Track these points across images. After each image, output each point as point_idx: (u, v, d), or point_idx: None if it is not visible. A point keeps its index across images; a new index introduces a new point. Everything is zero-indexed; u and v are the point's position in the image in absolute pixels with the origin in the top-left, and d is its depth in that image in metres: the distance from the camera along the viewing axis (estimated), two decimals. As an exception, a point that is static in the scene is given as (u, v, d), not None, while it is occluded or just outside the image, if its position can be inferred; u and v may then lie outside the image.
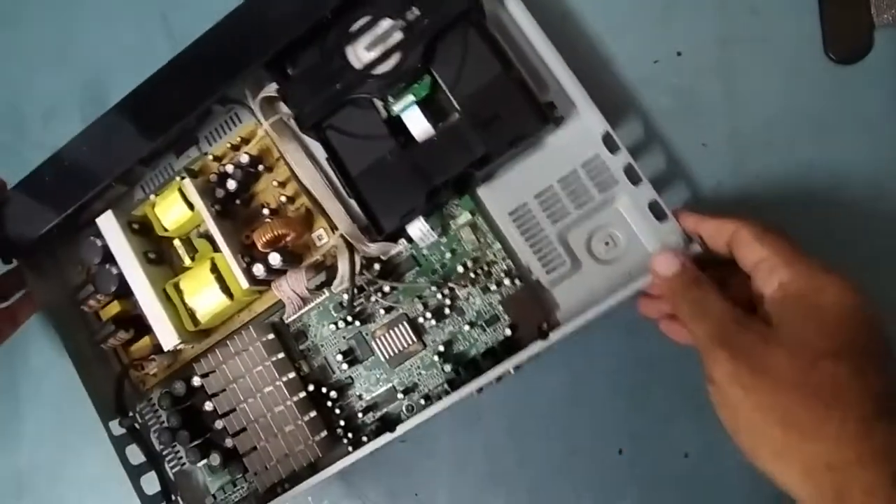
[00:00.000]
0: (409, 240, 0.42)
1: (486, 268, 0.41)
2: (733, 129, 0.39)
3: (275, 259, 0.42)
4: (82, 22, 0.49)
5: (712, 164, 0.40)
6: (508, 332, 0.40)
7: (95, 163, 0.45)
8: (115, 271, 0.44)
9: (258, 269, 0.42)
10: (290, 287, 0.41)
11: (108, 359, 0.47)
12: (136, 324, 0.45)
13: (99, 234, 0.45)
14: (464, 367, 0.41)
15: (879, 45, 0.35)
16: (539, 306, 0.40)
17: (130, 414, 0.46)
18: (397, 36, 0.40)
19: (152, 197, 0.46)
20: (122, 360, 0.47)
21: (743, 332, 0.28)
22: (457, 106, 0.40)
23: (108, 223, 0.44)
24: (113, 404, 0.45)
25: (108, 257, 0.44)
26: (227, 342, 0.43)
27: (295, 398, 0.42)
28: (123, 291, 0.45)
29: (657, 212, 0.38)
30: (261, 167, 0.45)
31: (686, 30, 0.40)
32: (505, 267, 0.41)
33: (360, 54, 0.41)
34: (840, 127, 0.37)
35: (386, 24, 0.40)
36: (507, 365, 0.37)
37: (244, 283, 0.42)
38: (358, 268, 0.41)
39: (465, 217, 0.41)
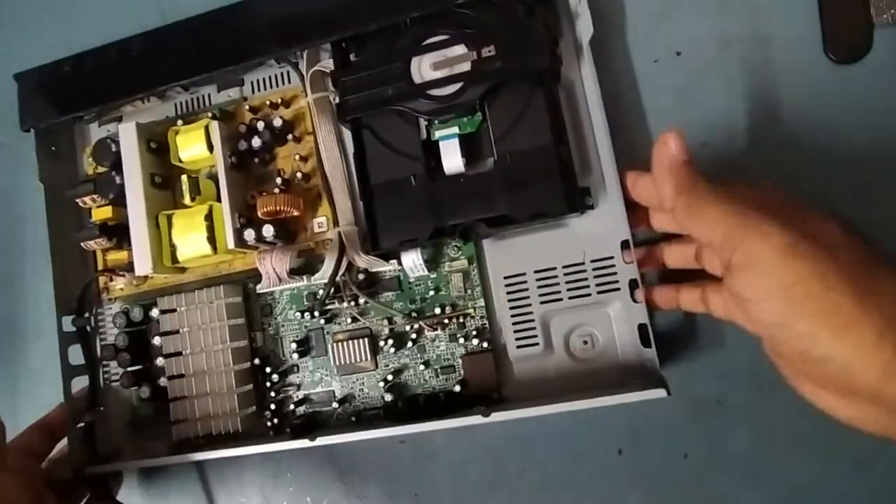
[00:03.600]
0: (398, 262, 0.38)
1: (461, 318, 0.38)
2: (733, 129, 0.36)
3: (268, 231, 0.38)
4: (82, 22, 0.46)
5: (712, 164, 0.36)
6: (458, 387, 0.37)
7: (141, 68, 0.41)
8: (118, 180, 0.41)
9: (249, 234, 0.38)
10: (273, 263, 0.38)
11: (84, 259, 0.44)
12: (120, 235, 0.42)
13: (117, 139, 0.41)
14: (403, 401, 0.38)
15: (879, 45, 0.33)
16: (496, 375, 0.37)
17: (86, 315, 0.43)
18: (465, 66, 0.36)
19: (179, 123, 0.42)
20: (97, 265, 0.44)
21: (783, 207, 0.25)
22: (495, 156, 0.36)
23: (128, 134, 0.40)
24: (74, 303, 0.42)
25: (118, 165, 0.41)
26: (196, 290, 0.40)
27: (238, 366, 0.39)
28: (120, 202, 0.41)
29: (643, 335, 0.34)
30: (290, 135, 0.41)
31: (686, 30, 0.36)
32: (480, 325, 0.37)
33: (423, 69, 0.37)
34: (840, 127, 0.34)
35: (459, 50, 0.36)
36: (440, 424, 0.34)
37: (230, 243, 0.38)
38: (342, 270, 0.38)
39: (461, 263, 0.38)
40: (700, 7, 0.37)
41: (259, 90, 0.43)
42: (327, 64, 0.40)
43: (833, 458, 0.34)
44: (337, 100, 0.39)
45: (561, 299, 0.37)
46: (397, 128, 0.38)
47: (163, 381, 0.40)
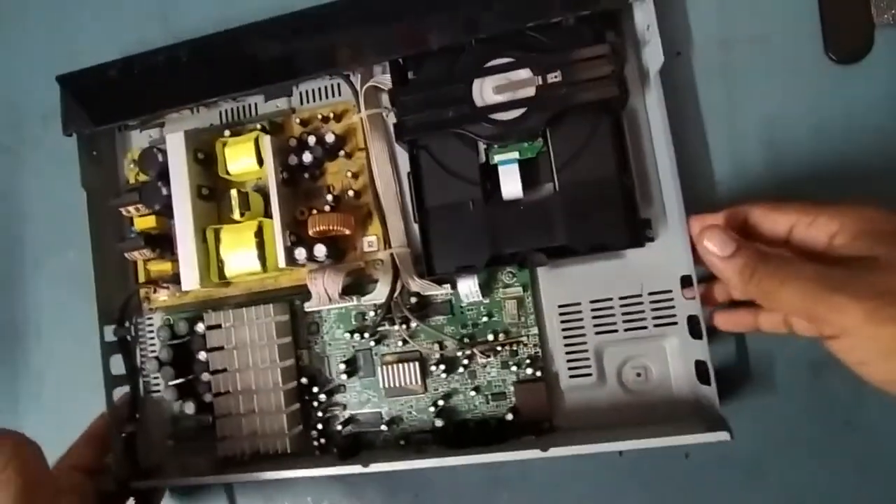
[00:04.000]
0: (452, 287, 0.37)
1: (514, 346, 0.37)
2: (733, 129, 0.35)
3: (320, 251, 0.37)
4: (83, 21, 0.44)
5: (712, 165, 0.36)
6: (510, 415, 0.36)
7: (191, 76, 0.39)
8: (165, 191, 0.40)
9: (300, 253, 0.37)
10: (324, 283, 0.37)
11: (125, 268, 0.43)
12: (164, 246, 0.41)
13: (163, 148, 0.40)
14: (454, 425, 0.37)
15: (879, 45, 0.33)
16: (548, 404, 0.36)
17: (126, 324, 0.42)
18: (529, 91, 0.35)
19: (226, 133, 0.41)
20: (139, 276, 0.43)
21: (849, 274, 0.24)
22: (556, 184, 0.35)
23: (176, 144, 0.39)
24: (116, 313, 0.41)
25: (164, 175, 0.40)
26: (242, 305, 0.39)
27: (286, 386, 0.38)
28: (164, 213, 0.40)
29: (701, 372, 0.34)
30: (341, 150, 0.40)
31: (686, 30, 0.36)
32: (533, 352, 0.37)
33: (485, 92, 0.36)
34: (840, 127, 0.34)
35: (524, 74, 0.35)
36: (496, 457, 0.33)
37: (282, 262, 0.37)
38: (396, 293, 0.37)
39: (516, 290, 0.37)
40: (700, 7, 0.36)
41: (308, 101, 0.42)
42: (382, 80, 0.39)
43: (836, 461, 0.33)
44: (394, 119, 0.38)
45: (616, 331, 0.36)
46: (455, 150, 0.37)
47: (208, 396, 0.39)
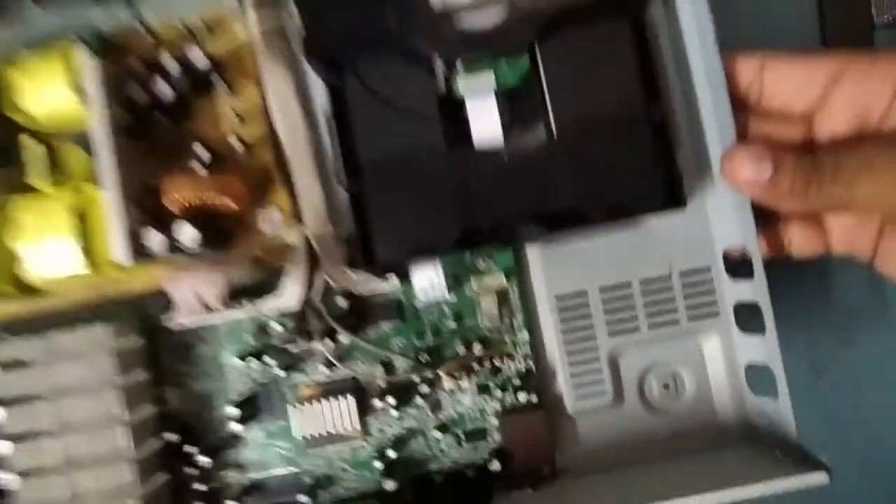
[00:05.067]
0: (403, 281, 0.24)
1: (495, 360, 0.25)
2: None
3: (188, 236, 0.23)
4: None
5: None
6: (495, 462, 0.24)
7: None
8: None
9: (155, 241, 0.23)
10: (195, 286, 0.23)
11: None
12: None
13: None
14: (413, 484, 0.24)
15: (879, 45, 0.32)
16: (549, 440, 0.24)
17: None
18: (510, -18, 0.22)
19: (20, 49, 0.24)
20: None
21: None
22: (553, 124, 0.23)
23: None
24: None
25: None
26: (56, 336, 0.23)
27: (141, 451, 0.23)
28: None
29: (757, 381, 0.24)
30: (220, 82, 0.25)
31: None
32: (523, 368, 0.25)
33: (440, -20, 0.23)
34: None
35: (499, -48, 0.23)
36: None
37: (122, 255, 0.22)
38: (317, 295, 0.23)
39: (495, 279, 0.25)
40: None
41: (161, 10, 0.26)
42: (279, -31, 0.24)
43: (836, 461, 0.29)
44: (300, 31, 0.24)
45: (637, 328, 0.25)
46: (401, 75, 0.24)
47: (4, 478, 0.23)
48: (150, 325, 0.25)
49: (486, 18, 0.23)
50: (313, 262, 0.24)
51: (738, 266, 0.24)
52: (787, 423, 0.22)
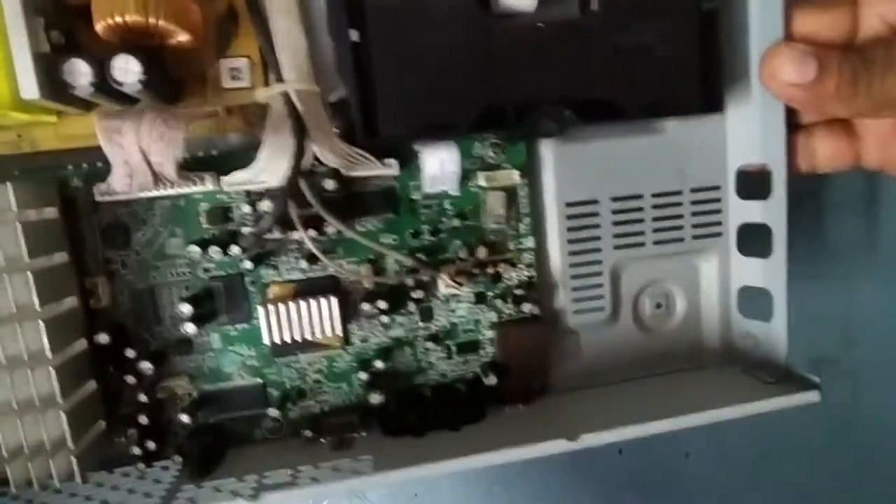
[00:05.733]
0: (403, 165, 0.20)
1: (494, 265, 0.22)
2: None
3: (128, 70, 0.17)
4: None
5: None
6: (492, 378, 0.22)
7: None
8: None
9: (80, 74, 0.16)
10: (144, 145, 0.17)
11: None
12: None
13: None
14: (398, 397, 0.22)
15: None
16: (547, 354, 0.23)
17: None
18: None
19: None
20: None
21: None
22: (595, 1, 0.19)
23: None
24: None
25: None
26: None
27: (62, 353, 0.18)
28: None
29: (750, 304, 0.24)
30: None
31: None
32: (525, 276, 0.22)
33: None
34: None
35: None
36: (474, 461, 0.19)
37: (31, 91, 0.16)
38: (305, 165, 0.19)
39: (507, 175, 0.22)
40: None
41: None
42: None
43: (836, 461, 0.33)
44: None
45: (643, 244, 0.23)
46: None
47: None
48: (70, 195, 0.19)
49: None
50: (299, 129, 0.19)
51: (749, 185, 0.23)
52: (780, 346, 0.22)
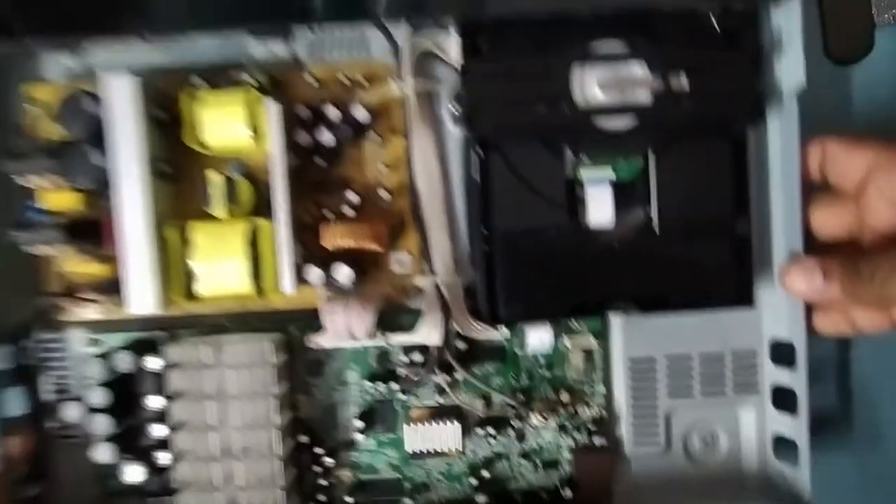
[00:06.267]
0: (510, 331, 0.28)
1: (573, 407, 0.29)
2: None
3: (344, 275, 0.26)
4: None
5: None
6: (567, 490, 0.29)
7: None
8: (98, 161, 0.25)
9: (314, 275, 0.26)
10: (349, 319, 0.26)
11: (25, 263, 0.28)
12: (90, 238, 0.27)
13: (96, 94, 0.25)
14: (497, 498, 0.29)
15: (879, 45, 0.31)
16: (610, 477, 0.30)
17: (25, 345, 0.28)
18: (643, 95, 0.26)
19: (195, 80, 0.27)
20: (41, 276, 0.28)
21: None
22: (655, 219, 0.27)
23: (121, 93, 0.25)
24: (9, 330, 0.27)
25: (97, 138, 0.25)
26: (225, 342, 0.27)
27: (283, 449, 0.27)
28: (97, 193, 0.26)
29: (782, 449, 0.29)
30: (371, 132, 0.28)
31: None
32: (597, 415, 0.30)
33: (586, 86, 0.26)
34: (840, 127, 0.32)
35: (639, 71, 0.26)
36: None
37: (288, 285, 0.26)
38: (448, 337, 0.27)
39: (586, 340, 0.29)
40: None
41: (322, 50, 0.29)
42: (437, 38, 0.27)
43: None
44: (456, 106, 0.27)
45: (692, 395, 0.30)
46: (538, 158, 0.27)
47: (161, 456, 0.27)
48: (292, 342, 0.29)
49: (616, 123, 0.27)
50: (445, 308, 0.27)
51: (779, 354, 0.29)
52: (804, 490, 0.28)
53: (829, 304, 0.27)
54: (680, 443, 0.31)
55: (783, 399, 0.29)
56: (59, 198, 0.27)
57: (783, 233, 0.28)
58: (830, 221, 0.27)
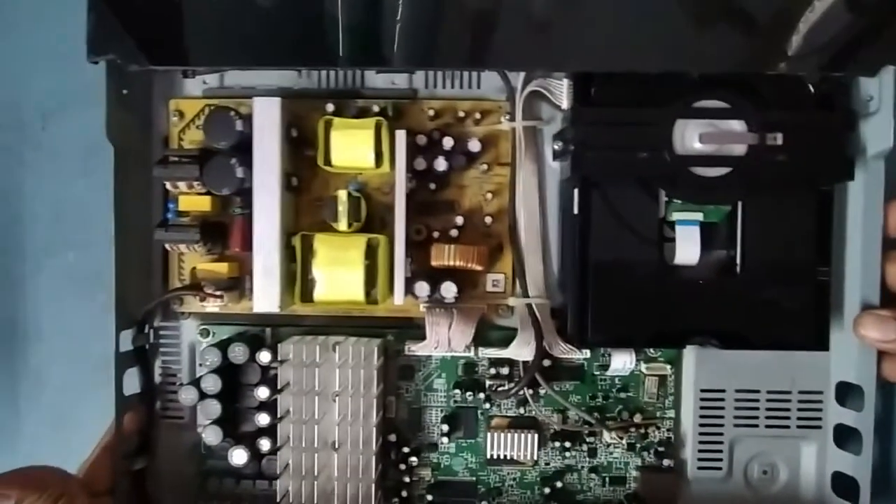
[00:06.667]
0: (591, 352, 0.30)
1: (645, 428, 0.31)
2: None
3: (450, 291, 0.28)
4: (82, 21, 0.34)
5: None
6: (632, 505, 0.31)
7: (293, 29, 0.27)
8: (239, 173, 0.28)
9: (422, 290, 0.28)
10: (450, 331, 0.29)
11: (151, 259, 0.31)
12: (217, 237, 0.30)
13: (243, 114, 0.28)
14: (562, 507, 0.31)
15: None
16: (673, 497, 0.31)
17: (146, 330, 0.31)
18: (740, 148, 0.28)
19: (328, 108, 0.29)
20: (169, 272, 0.31)
21: None
22: (739, 262, 0.29)
23: (268, 113, 0.27)
24: (140, 316, 0.29)
25: (240, 149, 0.28)
26: (333, 342, 0.29)
27: (375, 445, 0.29)
28: (230, 199, 0.29)
29: (841, 485, 0.31)
30: (481, 163, 0.31)
31: None
32: (665, 437, 0.31)
33: (686, 138, 0.28)
34: None
35: (737, 126, 0.28)
36: None
37: (398, 297, 0.28)
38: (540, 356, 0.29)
39: (661, 368, 0.31)
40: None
41: (436, 86, 0.31)
42: (549, 84, 0.30)
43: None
44: (561, 143, 0.29)
45: (756, 426, 0.32)
46: (635, 198, 0.29)
47: (265, 444, 0.29)
48: (388, 347, 0.31)
49: (711, 171, 0.29)
50: (539, 329, 0.29)
51: (846, 396, 0.31)
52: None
53: None
54: (741, 471, 0.32)
55: (847, 438, 0.31)
56: (192, 201, 0.29)
57: (860, 283, 0.30)
58: None
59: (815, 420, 0.31)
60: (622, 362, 0.30)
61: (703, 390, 0.31)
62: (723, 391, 0.31)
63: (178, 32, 0.27)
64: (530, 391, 0.31)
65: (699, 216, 0.30)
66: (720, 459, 0.32)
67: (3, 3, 0.36)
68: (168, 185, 0.29)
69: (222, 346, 0.30)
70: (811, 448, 0.32)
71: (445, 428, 0.31)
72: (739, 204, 0.29)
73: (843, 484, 0.30)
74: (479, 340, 0.30)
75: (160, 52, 0.27)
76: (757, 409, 0.31)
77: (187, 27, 0.28)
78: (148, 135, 0.31)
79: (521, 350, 0.29)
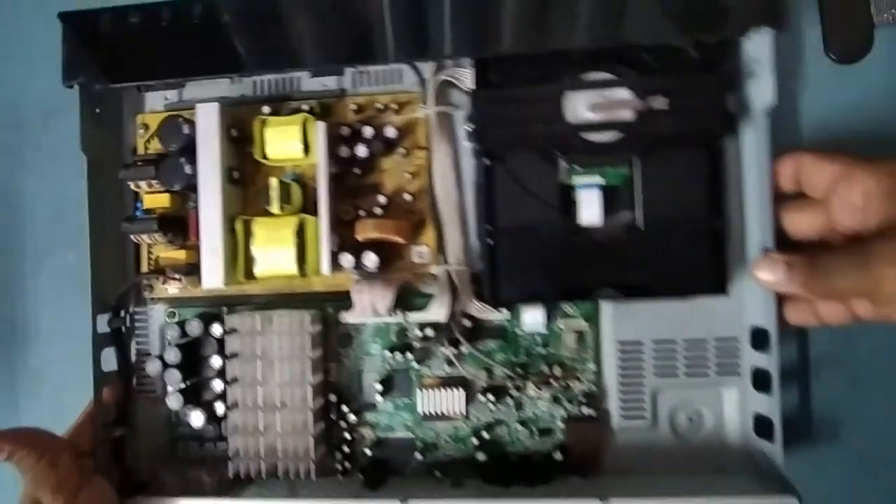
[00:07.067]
0: (511, 312, 0.33)
1: (566, 381, 0.33)
2: None
3: (371, 261, 0.32)
4: None
5: None
6: (558, 453, 0.33)
7: (233, 41, 0.32)
8: (188, 170, 0.32)
9: (347, 261, 0.32)
10: (372, 297, 0.32)
11: (125, 251, 0.36)
12: (177, 231, 0.34)
13: (189, 119, 0.33)
14: (495, 459, 0.33)
15: (879, 45, 0.31)
16: (599, 446, 0.33)
17: (122, 315, 0.35)
18: (627, 114, 0.31)
19: (265, 110, 0.34)
20: (141, 262, 0.35)
21: (890, 245, 0.25)
22: (641, 218, 0.31)
23: (208, 117, 0.32)
24: (113, 301, 0.34)
25: (189, 150, 0.33)
26: (273, 314, 0.33)
27: (314, 404, 0.33)
28: (183, 194, 0.33)
29: (762, 426, 0.32)
30: (400, 148, 0.34)
31: None
32: (587, 389, 0.33)
33: (577, 108, 0.31)
34: (840, 127, 0.33)
35: (623, 94, 0.31)
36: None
37: (325, 268, 0.32)
38: (455, 315, 0.32)
39: (578, 323, 0.33)
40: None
41: (362, 84, 0.35)
42: (456, 74, 0.33)
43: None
44: (467, 123, 0.32)
45: (676, 375, 0.33)
46: (534, 167, 0.32)
47: (219, 407, 0.33)
48: (327, 318, 0.35)
49: (603, 137, 0.31)
50: (454, 292, 0.32)
51: (757, 339, 0.32)
52: (778, 459, 0.30)
53: (795, 295, 0.30)
54: (666, 419, 0.34)
55: (762, 381, 0.32)
56: (154, 199, 0.34)
57: (758, 231, 0.31)
58: (803, 224, 0.30)
59: (733, 366, 0.33)
60: (532, 317, 0.32)
61: (621, 342, 0.33)
62: (640, 343, 0.33)
63: (131, 56, 0.33)
64: (455, 351, 0.33)
65: (600, 180, 0.32)
66: (644, 409, 0.33)
67: (3, 3, 0.38)
68: (132, 186, 0.34)
69: (183, 324, 0.34)
70: (732, 393, 0.33)
71: (380, 388, 0.33)
72: (637, 165, 0.32)
73: (763, 425, 0.32)
74: (408, 306, 0.33)
75: (118, 73, 0.33)
76: (675, 358, 0.33)
77: (137, 51, 0.33)
78: (119, 146, 0.36)
79: (439, 311, 0.32)
